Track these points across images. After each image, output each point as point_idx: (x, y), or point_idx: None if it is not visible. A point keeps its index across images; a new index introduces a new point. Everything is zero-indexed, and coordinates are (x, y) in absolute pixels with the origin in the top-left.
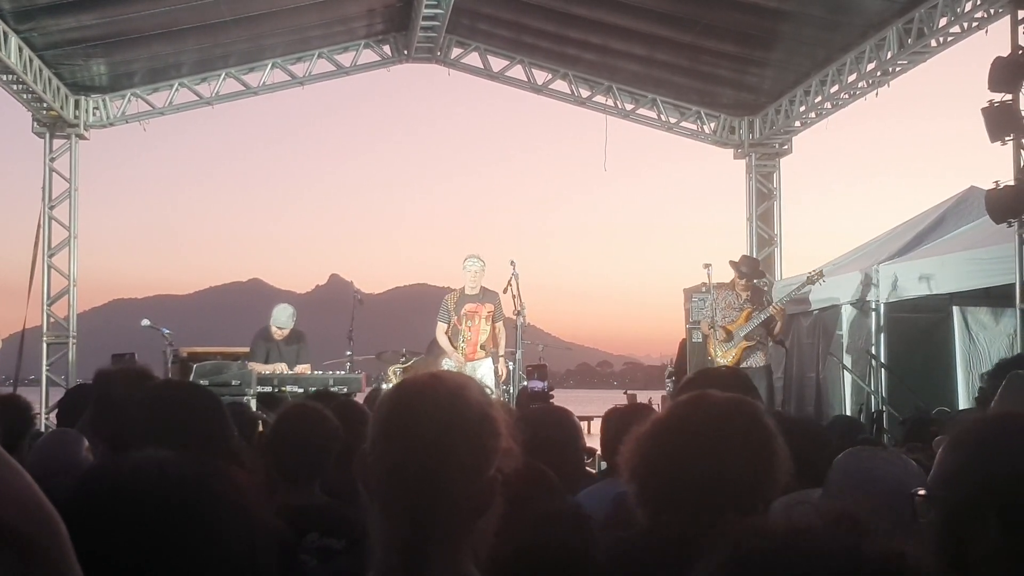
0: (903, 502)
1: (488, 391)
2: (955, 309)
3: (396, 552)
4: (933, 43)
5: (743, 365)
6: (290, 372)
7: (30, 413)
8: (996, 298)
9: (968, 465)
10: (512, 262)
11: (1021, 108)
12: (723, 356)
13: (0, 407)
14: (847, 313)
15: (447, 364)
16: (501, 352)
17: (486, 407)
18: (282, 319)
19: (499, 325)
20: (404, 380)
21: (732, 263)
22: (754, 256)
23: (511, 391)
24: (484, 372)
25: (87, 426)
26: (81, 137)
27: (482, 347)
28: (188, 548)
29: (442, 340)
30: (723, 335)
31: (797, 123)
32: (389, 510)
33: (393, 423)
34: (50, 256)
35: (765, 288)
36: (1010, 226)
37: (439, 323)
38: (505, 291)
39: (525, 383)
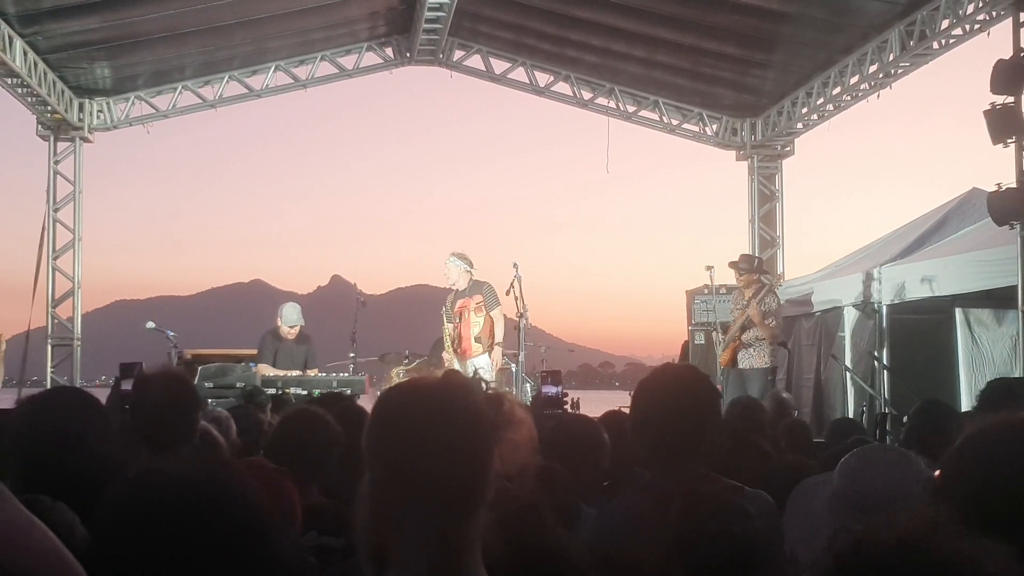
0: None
1: (484, 383)
2: (957, 311)
3: (427, 557)
4: (935, 45)
5: (740, 366)
6: (295, 375)
7: None
8: (999, 300)
9: (958, 468)
10: (515, 264)
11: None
12: (721, 357)
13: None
14: (849, 315)
15: (448, 362)
16: (498, 340)
17: (490, 402)
18: (293, 317)
19: (494, 314)
20: (414, 390)
21: (730, 264)
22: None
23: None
24: (479, 365)
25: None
26: (85, 140)
27: (477, 340)
28: (237, 556)
29: (446, 341)
30: (722, 335)
31: (799, 125)
32: (417, 517)
33: (417, 433)
34: (54, 258)
35: (768, 286)
36: (1012, 228)
37: (445, 323)
38: (508, 293)
39: (536, 387)
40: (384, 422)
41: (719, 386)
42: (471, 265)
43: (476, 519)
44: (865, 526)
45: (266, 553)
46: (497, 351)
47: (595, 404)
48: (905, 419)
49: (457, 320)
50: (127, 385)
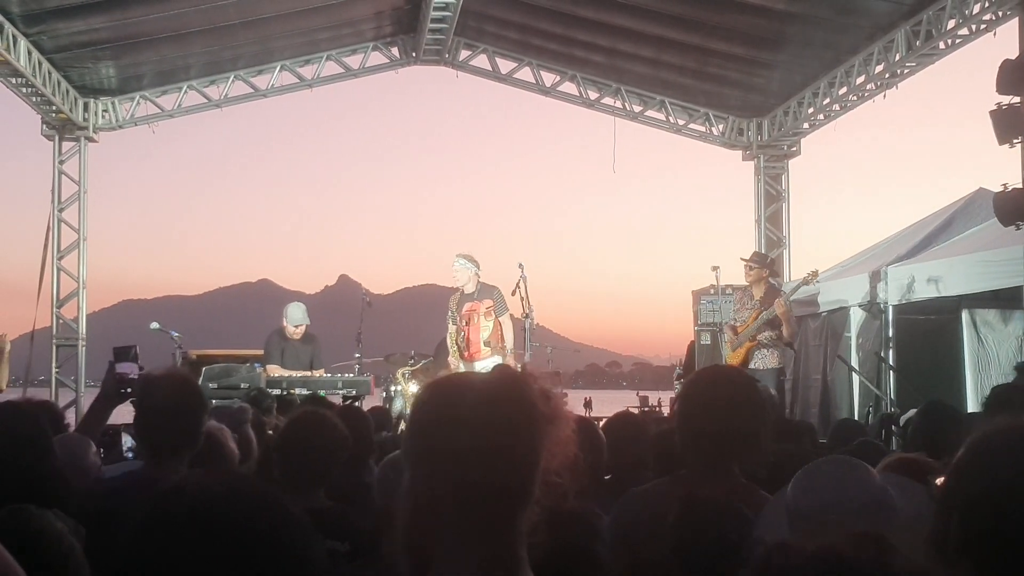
0: (872, 515)
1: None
2: (964, 311)
3: (475, 556)
4: (941, 45)
5: (751, 367)
6: (300, 375)
7: (62, 423)
8: (1005, 300)
9: (962, 474)
10: (520, 265)
11: None
12: (731, 357)
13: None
14: (855, 315)
15: (455, 367)
16: (509, 346)
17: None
18: (297, 317)
19: (503, 319)
20: (464, 384)
21: (741, 258)
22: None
23: None
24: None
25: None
26: (90, 139)
27: (486, 344)
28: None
29: (449, 344)
30: (731, 335)
31: (805, 125)
32: (465, 515)
33: (468, 429)
34: (59, 258)
35: (778, 287)
36: (1018, 228)
37: (449, 325)
38: (513, 293)
39: None
40: (433, 418)
41: None
42: (478, 267)
43: (524, 517)
44: (775, 545)
45: (302, 564)
46: (510, 358)
47: (605, 404)
48: (903, 420)
49: (465, 324)
50: (122, 368)
